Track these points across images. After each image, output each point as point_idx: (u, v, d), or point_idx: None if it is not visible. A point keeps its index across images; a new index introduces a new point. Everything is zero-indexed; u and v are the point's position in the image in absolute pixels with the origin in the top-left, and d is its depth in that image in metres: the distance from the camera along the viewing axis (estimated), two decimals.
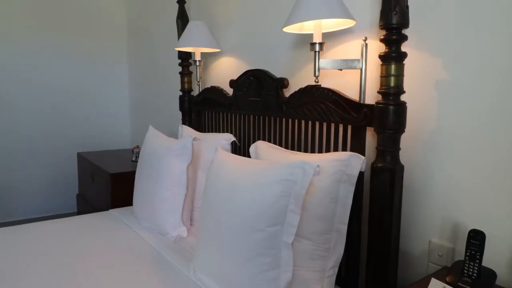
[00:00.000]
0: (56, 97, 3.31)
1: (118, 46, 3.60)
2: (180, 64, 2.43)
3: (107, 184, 2.39)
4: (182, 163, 1.77)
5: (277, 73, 1.81)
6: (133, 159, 2.77)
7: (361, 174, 1.34)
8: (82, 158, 2.90)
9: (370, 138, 1.42)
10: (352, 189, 1.33)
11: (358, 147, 1.39)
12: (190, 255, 1.56)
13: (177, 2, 2.41)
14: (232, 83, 2.04)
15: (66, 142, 3.36)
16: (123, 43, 3.63)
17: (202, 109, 2.35)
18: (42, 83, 3.25)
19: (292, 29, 1.51)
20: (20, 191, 3.22)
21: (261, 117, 1.86)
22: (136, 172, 2.01)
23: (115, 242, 1.75)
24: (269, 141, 1.80)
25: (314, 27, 1.43)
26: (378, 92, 1.28)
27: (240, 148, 2.01)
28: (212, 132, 2.27)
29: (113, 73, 3.59)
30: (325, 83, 1.57)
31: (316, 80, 1.48)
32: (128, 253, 1.63)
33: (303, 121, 1.63)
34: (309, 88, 1.55)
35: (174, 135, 2.13)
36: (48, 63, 3.26)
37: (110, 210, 2.18)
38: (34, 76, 3.21)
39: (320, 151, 1.56)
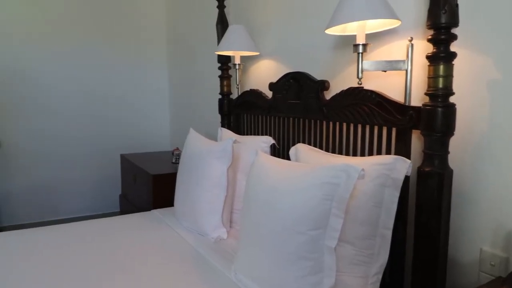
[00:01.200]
0: (100, 102, 3.47)
1: (158, 52, 3.72)
2: (219, 68, 2.47)
3: (149, 185, 2.46)
4: (222, 165, 1.79)
5: (317, 75, 1.80)
6: (173, 161, 2.84)
7: (406, 178, 1.30)
8: (125, 160, 3.01)
9: (416, 141, 1.37)
10: (397, 193, 1.29)
11: (403, 150, 1.35)
12: (230, 257, 1.58)
13: (217, 7, 2.45)
14: (272, 86, 2.05)
15: (110, 145, 3.50)
16: (163, 48, 3.74)
17: (241, 112, 2.37)
18: (87, 89, 3.41)
19: (335, 30, 1.49)
20: (67, 191, 3.40)
21: (301, 120, 1.85)
22: (178, 174, 2.06)
23: (157, 241, 1.80)
24: (309, 144, 1.79)
25: (358, 28, 1.41)
26: (426, 94, 1.24)
27: (279, 151, 2.00)
28: (251, 134, 2.29)
29: (154, 78, 3.71)
30: (367, 85, 1.54)
31: (359, 82, 1.45)
32: (169, 252, 1.67)
33: (344, 124, 1.61)
34: (351, 90, 1.53)
35: (212, 137, 2.16)
36: (93, 70, 3.42)
37: (152, 211, 2.24)
38: (79, 83, 3.38)
39: (362, 155, 1.53)
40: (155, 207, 2.34)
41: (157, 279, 1.41)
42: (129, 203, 2.95)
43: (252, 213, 1.31)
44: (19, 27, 3.12)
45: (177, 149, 2.94)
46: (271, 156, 1.47)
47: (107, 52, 3.46)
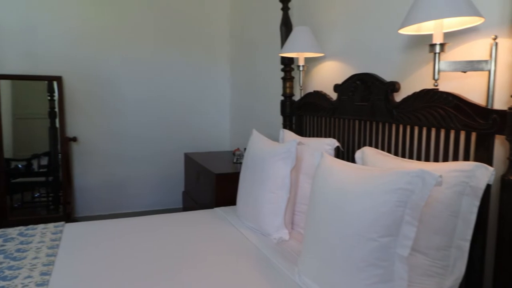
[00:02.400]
0: (166, 105, 3.65)
1: (221, 56, 3.82)
2: (282, 70, 2.48)
3: (212, 183, 2.54)
4: (286, 166, 1.80)
5: (386, 77, 1.74)
6: (234, 160, 2.90)
7: (487, 187, 1.21)
8: (189, 159, 3.13)
9: (498, 147, 1.27)
10: (477, 203, 1.20)
11: (485, 157, 1.26)
12: (293, 258, 1.58)
13: (281, 9, 2.46)
14: (337, 87, 2.01)
15: (174, 145, 3.68)
16: (226, 52, 3.84)
17: (303, 113, 2.36)
18: (155, 92, 3.61)
19: (408, 30, 1.43)
20: (136, 187, 3.61)
21: (367, 123, 1.80)
22: (241, 174, 2.10)
23: (221, 238, 1.85)
24: (376, 147, 1.73)
25: (435, 27, 1.34)
26: None
27: (344, 154, 1.96)
28: (313, 136, 2.27)
29: (216, 81, 3.82)
30: (442, 86, 1.46)
31: (435, 84, 1.38)
32: (233, 250, 1.71)
33: (416, 127, 1.53)
34: (425, 92, 1.45)
35: (273, 138, 2.17)
36: (160, 74, 3.61)
37: (215, 208, 2.31)
38: (148, 87, 3.58)
39: (435, 160, 1.45)
40: (217, 205, 2.40)
41: (222, 275, 1.45)
42: (192, 200, 3.07)
43: (318, 215, 1.30)
44: (101, 35, 3.38)
45: (238, 149, 2.99)
46: (337, 159, 1.45)
47: (173, 57, 3.63)
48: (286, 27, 2.45)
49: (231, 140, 3.88)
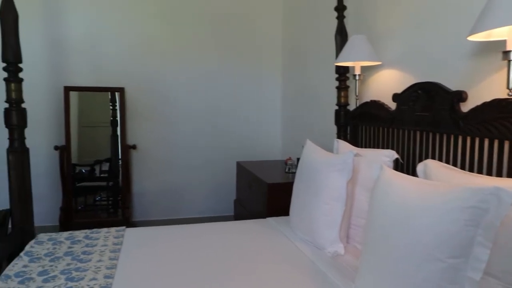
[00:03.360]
0: (219, 114, 3.74)
1: (272, 65, 3.85)
2: (337, 79, 2.44)
3: (264, 192, 2.54)
4: (342, 178, 1.75)
5: (449, 86, 1.64)
6: (286, 170, 2.88)
7: None
8: (241, 167, 3.17)
9: None
10: None
11: None
12: (349, 274, 1.52)
13: (336, 18, 2.43)
14: (396, 97, 1.94)
15: (226, 153, 3.75)
16: (278, 62, 3.86)
17: (359, 123, 2.30)
18: (209, 102, 3.71)
19: (478, 37, 1.34)
20: (189, 194, 3.73)
21: (430, 134, 1.71)
22: (294, 184, 2.08)
23: (273, 249, 1.84)
24: (440, 160, 1.63)
25: (509, 33, 1.25)
26: None
27: (403, 166, 1.88)
28: (369, 147, 2.20)
29: (267, 90, 3.86)
30: None
31: (510, 93, 1.28)
32: (286, 261, 1.69)
33: (486, 140, 1.43)
34: (497, 102, 1.35)
35: (326, 148, 2.13)
36: (213, 84, 3.71)
37: (267, 218, 2.30)
38: (202, 97, 3.69)
39: (509, 176, 1.34)
40: (269, 215, 2.40)
41: (275, 286, 1.43)
42: (243, 208, 3.09)
43: (378, 231, 1.25)
44: (159, 49, 3.55)
45: (290, 158, 2.98)
46: (398, 172, 1.38)
47: (226, 68, 3.72)
48: (341, 36, 2.41)
49: (282, 149, 3.88)
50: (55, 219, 3.31)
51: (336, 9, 2.42)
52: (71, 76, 3.39)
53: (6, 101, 1.98)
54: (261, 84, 3.83)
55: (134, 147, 3.51)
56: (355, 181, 1.85)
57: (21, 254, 1.78)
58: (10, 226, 2.11)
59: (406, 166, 1.87)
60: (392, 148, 1.97)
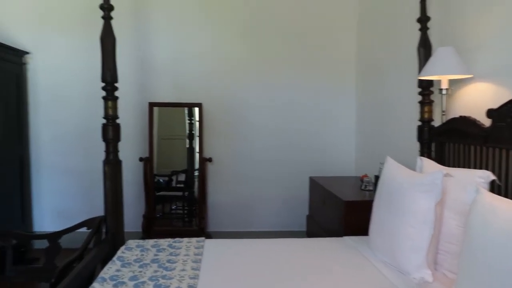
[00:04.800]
0: (292, 129, 3.76)
1: (347, 78, 3.78)
2: (420, 93, 2.32)
3: (340, 210, 2.48)
4: (429, 200, 1.65)
5: None
6: (362, 187, 2.79)
7: None
8: (314, 183, 3.14)
9: None
10: None
11: None
12: None
13: (420, 29, 2.33)
14: (491, 112, 1.78)
15: (299, 168, 3.73)
16: (352, 76, 3.79)
17: (445, 140, 2.16)
18: (282, 117, 3.75)
19: None
20: (261, 207, 3.77)
21: None
22: (374, 203, 2.00)
23: (351, 269, 1.78)
24: None
25: None
26: None
27: (501, 189, 1.71)
28: (458, 166, 2.04)
29: (341, 105, 3.79)
30: None
31: None
32: (365, 284, 1.62)
33: None
34: None
35: (406, 166, 2.01)
36: (286, 99, 3.74)
37: (344, 237, 2.24)
38: (275, 111, 3.74)
39: None
40: (346, 233, 2.33)
41: None
42: (316, 225, 3.04)
43: (478, 261, 1.15)
44: (235, 67, 3.69)
45: (366, 175, 2.88)
46: (499, 196, 1.27)
47: (300, 82, 3.73)
48: (425, 49, 2.30)
49: (356, 165, 3.77)
50: (138, 225, 3.54)
51: (419, 20, 2.32)
52: (155, 93, 3.65)
53: (103, 117, 2.19)
54: (334, 98, 3.78)
55: (210, 160, 3.65)
56: (443, 203, 1.73)
57: (114, 258, 1.94)
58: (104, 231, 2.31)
59: (504, 188, 1.70)
60: (486, 169, 1.81)
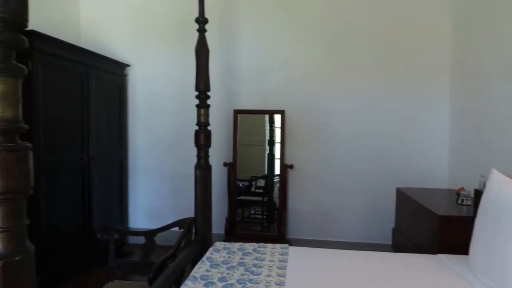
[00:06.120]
0: (378, 136, 3.59)
1: (439, 83, 3.52)
2: None
3: (433, 225, 2.30)
4: None
5: None
6: (459, 201, 2.56)
7: None
8: (402, 194, 2.96)
9: None
10: None
11: None
12: None
13: None
14: None
15: (384, 177, 3.55)
16: (445, 78, 3.51)
17: None
18: (368, 123, 3.60)
19: None
20: (343, 216, 3.66)
21: None
22: (476, 220, 1.83)
23: None
24: None
25: None
26: None
27: None
28: None
29: (433, 112, 3.53)
30: None
31: None
32: None
33: None
34: None
35: None
36: (374, 105, 3.58)
37: (438, 255, 2.08)
38: (361, 118, 3.61)
39: None
40: (440, 251, 2.16)
41: None
42: (404, 239, 2.87)
43: None
44: (319, 74, 3.66)
45: (463, 188, 2.64)
46: None
47: (387, 88, 3.56)
48: None
49: (449, 177, 3.47)
50: (220, 227, 3.68)
51: None
52: (239, 100, 3.77)
53: (196, 124, 2.32)
54: (424, 103, 3.54)
55: (291, 166, 3.66)
56: None
57: (203, 259, 2.03)
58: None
59: None
60: None
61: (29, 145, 0.84)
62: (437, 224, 2.24)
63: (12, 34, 0.79)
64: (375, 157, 3.59)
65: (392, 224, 3.28)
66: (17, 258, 0.80)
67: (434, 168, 3.52)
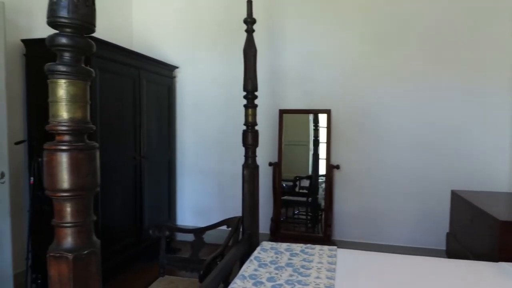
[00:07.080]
0: (433, 135, 3.42)
1: (500, 79, 3.29)
2: None
3: (493, 231, 2.16)
4: None
5: None
6: None
7: None
8: (458, 197, 2.80)
9: None
10: None
11: None
12: None
13: None
14: None
15: (439, 178, 3.39)
16: (506, 75, 3.27)
17: None
18: (422, 122, 3.44)
19: None
20: (392, 219, 3.53)
21: None
22: None
23: None
24: None
25: None
26: None
27: None
28: None
29: (494, 109, 3.30)
30: None
31: None
32: None
33: None
34: None
35: None
36: (428, 102, 3.41)
37: (501, 263, 1.94)
38: (414, 116, 3.45)
39: None
40: (502, 259, 2.02)
41: None
42: (460, 244, 2.71)
43: None
44: (367, 71, 3.56)
45: None
46: None
47: (440, 86, 3.39)
48: None
49: (510, 180, 3.24)
50: (265, 227, 3.68)
51: None
52: (285, 100, 3.76)
53: (244, 124, 2.34)
54: (483, 102, 3.31)
55: (337, 167, 3.59)
56: None
57: (251, 258, 2.04)
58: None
59: None
60: None
61: (97, 144, 0.88)
62: (499, 230, 2.10)
63: (82, 39, 0.84)
64: (428, 158, 3.43)
65: (446, 229, 3.11)
66: (85, 252, 0.84)
67: (493, 170, 3.30)
